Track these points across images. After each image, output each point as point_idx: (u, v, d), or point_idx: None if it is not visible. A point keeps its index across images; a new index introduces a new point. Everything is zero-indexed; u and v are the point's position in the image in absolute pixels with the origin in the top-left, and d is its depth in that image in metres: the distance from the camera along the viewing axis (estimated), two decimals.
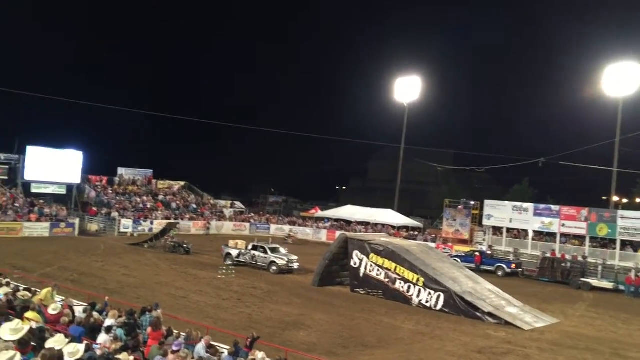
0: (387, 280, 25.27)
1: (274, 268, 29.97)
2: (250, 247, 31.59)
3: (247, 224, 52.65)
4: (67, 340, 6.77)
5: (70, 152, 44.37)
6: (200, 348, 11.08)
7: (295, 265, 30.63)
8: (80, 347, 6.61)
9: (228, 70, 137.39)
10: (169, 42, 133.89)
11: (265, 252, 30.82)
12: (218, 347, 11.27)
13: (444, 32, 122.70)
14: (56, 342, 6.41)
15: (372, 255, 25.99)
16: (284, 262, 30.20)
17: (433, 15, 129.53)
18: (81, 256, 30.75)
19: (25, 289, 13.35)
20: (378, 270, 25.61)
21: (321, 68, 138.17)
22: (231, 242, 33.18)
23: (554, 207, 41.29)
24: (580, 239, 40.25)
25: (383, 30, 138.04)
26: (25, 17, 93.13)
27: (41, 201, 41.86)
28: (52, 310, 11.36)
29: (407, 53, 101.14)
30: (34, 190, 42.34)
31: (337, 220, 55.86)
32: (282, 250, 32.02)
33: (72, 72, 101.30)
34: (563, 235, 40.49)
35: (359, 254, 26.47)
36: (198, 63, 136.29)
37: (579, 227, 39.15)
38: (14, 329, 6.36)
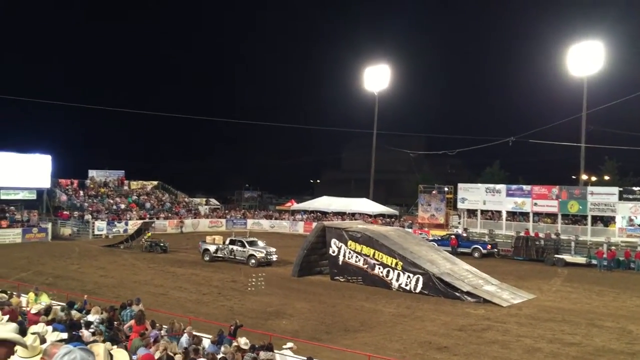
0: (366, 266, 25.44)
1: (253, 261, 29.92)
2: (227, 241, 31.47)
3: (224, 220, 52.38)
4: (50, 328, 6.73)
5: (38, 157, 43.47)
6: (184, 340, 11.08)
7: (274, 257, 30.62)
8: (63, 335, 6.56)
9: (194, 61, 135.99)
10: (131, 37, 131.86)
11: (243, 245, 30.73)
12: (201, 337, 11.24)
13: (410, 19, 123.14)
14: (38, 328, 6.38)
15: (350, 242, 26.12)
16: (263, 255, 30.17)
17: (398, 3, 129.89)
18: (56, 260, 30.30)
19: (1, 292, 13.12)
20: (357, 256, 25.77)
21: (290, 60, 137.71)
22: (208, 238, 33.01)
23: (526, 187, 41.96)
24: (552, 216, 41.07)
25: (350, 20, 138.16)
26: None
27: (11, 208, 41.04)
28: (34, 310, 11.21)
29: (375, 42, 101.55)
30: (3, 197, 41.40)
31: (313, 211, 55.91)
32: (260, 243, 31.97)
33: (34, 73, 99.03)
34: (535, 214, 41.27)
35: (337, 242, 26.59)
36: (161, 55, 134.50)
37: (550, 205, 39.93)
38: None
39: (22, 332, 6.93)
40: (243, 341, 10.59)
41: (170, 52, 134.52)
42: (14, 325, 3.32)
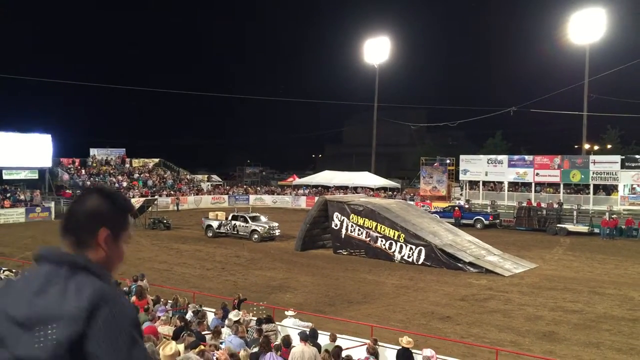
0: (368, 239, 25.54)
1: (256, 236, 30.04)
2: (230, 217, 31.56)
3: (226, 196, 52.49)
4: None
5: (38, 136, 43.50)
6: (188, 315, 11.19)
7: (277, 232, 30.75)
8: None
9: (193, 37, 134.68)
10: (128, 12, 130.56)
11: (246, 221, 30.82)
12: (205, 311, 11.34)
13: None
14: None
15: (352, 215, 26.17)
16: (266, 230, 30.28)
17: None
18: (60, 239, 30.39)
19: (7, 270, 13.21)
20: (359, 230, 25.85)
21: (291, 34, 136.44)
22: (211, 214, 33.13)
23: (528, 157, 41.93)
24: (554, 186, 41.07)
25: None
26: None
27: (14, 187, 41.16)
28: None
29: (375, 14, 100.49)
30: (5, 177, 41.55)
31: (315, 186, 55.95)
32: (263, 218, 32.07)
33: (30, 52, 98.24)
34: (538, 184, 41.25)
35: (339, 215, 26.64)
36: (159, 31, 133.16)
37: (552, 175, 39.91)
38: None
39: None
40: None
41: (169, 27, 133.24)
42: None
